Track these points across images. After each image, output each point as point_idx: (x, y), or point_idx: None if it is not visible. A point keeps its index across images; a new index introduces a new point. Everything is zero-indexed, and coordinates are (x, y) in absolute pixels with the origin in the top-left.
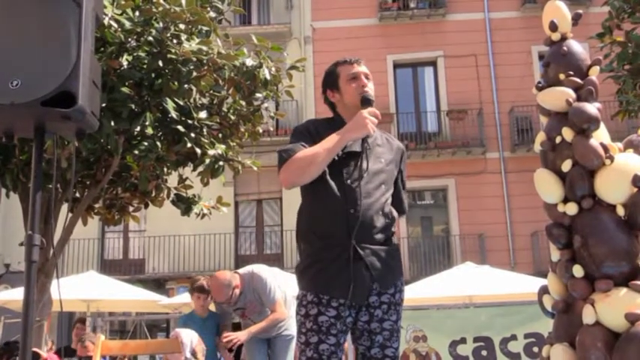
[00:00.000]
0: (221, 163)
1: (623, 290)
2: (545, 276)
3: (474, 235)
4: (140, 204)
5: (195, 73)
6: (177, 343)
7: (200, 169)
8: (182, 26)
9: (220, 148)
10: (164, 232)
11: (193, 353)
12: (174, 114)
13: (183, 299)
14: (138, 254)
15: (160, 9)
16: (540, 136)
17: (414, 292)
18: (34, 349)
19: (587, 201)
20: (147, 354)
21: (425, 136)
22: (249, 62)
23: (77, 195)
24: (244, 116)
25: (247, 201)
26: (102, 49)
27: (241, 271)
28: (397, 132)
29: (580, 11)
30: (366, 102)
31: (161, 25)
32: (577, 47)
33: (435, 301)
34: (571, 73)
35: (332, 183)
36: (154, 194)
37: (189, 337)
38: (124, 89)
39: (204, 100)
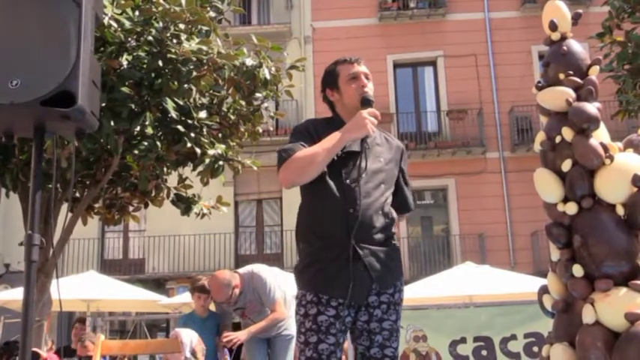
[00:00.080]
0: (221, 162)
1: (623, 290)
2: (545, 276)
3: (474, 235)
4: (140, 204)
5: (195, 73)
6: (176, 342)
7: (200, 168)
8: (182, 26)
9: (220, 148)
10: (164, 231)
11: (193, 353)
12: (174, 114)
13: (183, 299)
14: (138, 254)
15: (160, 9)
16: (540, 136)
17: (414, 292)
18: (34, 349)
19: (587, 200)
20: (147, 354)
21: (425, 135)
22: (249, 62)
23: (77, 195)
24: (244, 116)
25: (247, 201)
26: (102, 48)
27: (241, 270)
28: (397, 132)
29: (580, 11)
30: (365, 102)
31: (161, 24)
32: (577, 47)
33: (435, 301)
34: (571, 72)
35: (331, 183)
36: (153, 194)
37: (189, 337)
38: (124, 89)
39: (204, 100)
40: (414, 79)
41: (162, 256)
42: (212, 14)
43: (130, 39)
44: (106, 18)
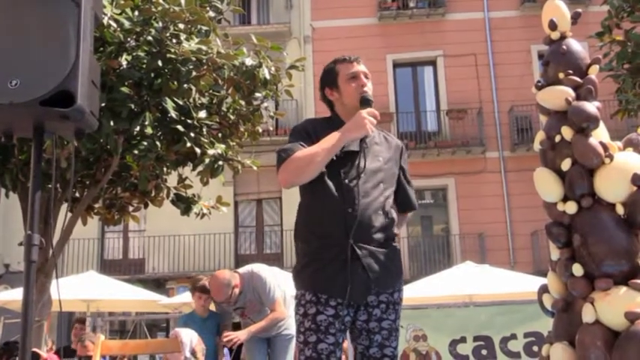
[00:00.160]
0: (220, 162)
1: (623, 289)
2: (545, 275)
3: (474, 235)
4: (140, 204)
5: (194, 73)
6: (176, 342)
7: (200, 168)
8: (181, 26)
9: (220, 148)
10: (164, 231)
11: (193, 353)
12: (173, 114)
13: (183, 299)
14: (138, 254)
15: (160, 8)
16: (540, 135)
17: (414, 292)
18: (34, 350)
19: (587, 200)
20: (147, 354)
21: (425, 135)
22: (249, 62)
23: (77, 195)
24: (244, 116)
25: (247, 200)
26: (101, 48)
27: (241, 270)
28: (397, 131)
29: (579, 10)
30: (365, 102)
31: (160, 24)
32: (576, 46)
33: (435, 301)
34: (570, 72)
35: (330, 182)
36: (153, 194)
37: (189, 337)
38: (124, 89)
39: (204, 100)
40: (413, 79)
41: (162, 256)
42: (211, 14)
43: (129, 39)
44: (106, 18)
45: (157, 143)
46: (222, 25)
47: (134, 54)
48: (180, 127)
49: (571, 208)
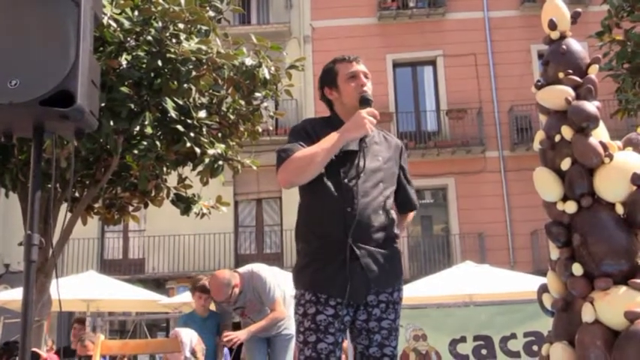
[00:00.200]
0: (220, 162)
1: (623, 288)
2: (544, 275)
3: (474, 234)
4: (140, 203)
5: (194, 73)
6: (176, 342)
7: (199, 168)
8: (181, 26)
9: (220, 148)
10: (164, 231)
11: (193, 352)
12: (173, 113)
13: (183, 299)
14: (138, 254)
15: (159, 8)
16: (539, 135)
17: (414, 291)
18: (34, 349)
19: (587, 199)
20: (147, 353)
21: (424, 135)
22: (249, 61)
23: (76, 195)
24: (244, 115)
25: (247, 200)
26: (101, 48)
27: (241, 270)
28: (397, 131)
29: (579, 10)
30: (364, 102)
31: (160, 24)
32: (576, 46)
33: (434, 300)
34: (570, 71)
35: (329, 182)
36: (153, 194)
37: (189, 337)
38: (123, 89)
39: (204, 100)
40: (413, 79)
41: (162, 256)
42: (211, 14)
43: (129, 39)
44: (105, 18)
45: (157, 143)
46: (221, 24)
47: (134, 54)
48: (180, 127)
49: (571, 207)
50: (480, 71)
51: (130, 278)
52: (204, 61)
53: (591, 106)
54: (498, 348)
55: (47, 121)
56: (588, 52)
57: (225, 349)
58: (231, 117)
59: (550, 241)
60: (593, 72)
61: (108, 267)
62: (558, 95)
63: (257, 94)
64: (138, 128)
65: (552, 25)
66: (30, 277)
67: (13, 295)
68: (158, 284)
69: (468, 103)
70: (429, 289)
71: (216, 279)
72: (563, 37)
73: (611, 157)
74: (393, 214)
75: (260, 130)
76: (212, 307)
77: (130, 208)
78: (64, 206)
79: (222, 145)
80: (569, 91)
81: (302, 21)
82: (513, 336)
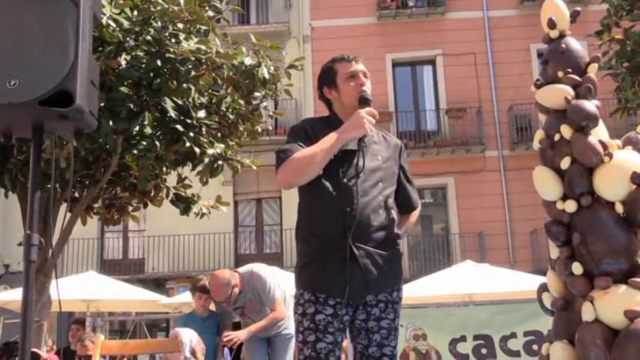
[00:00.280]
0: (220, 162)
1: (622, 287)
2: (544, 274)
3: (474, 234)
4: (139, 203)
5: (193, 73)
6: (176, 342)
7: (199, 168)
8: (180, 25)
9: (219, 148)
10: (163, 231)
11: (193, 352)
12: (172, 113)
13: (182, 299)
14: (137, 254)
15: (159, 8)
16: (539, 134)
17: (414, 291)
18: (34, 350)
19: (586, 198)
20: (146, 353)
21: (424, 134)
22: (248, 61)
23: (76, 195)
24: (243, 115)
25: (246, 200)
26: (100, 48)
27: (241, 269)
28: (396, 131)
29: (578, 9)
30: (364, 102)
31: (159, 24)
32: (575, 45)
33: (434, 300)
34: (569, 70)
35: (329, 182)
36: (153, 194)
37: (189, 337)
38: (123, 89)
39: (203, 100)
40: (413, 78)
41: (161, 256)
42: (210, 13)
43: (128, 39)
44: (105, 18)
45: (157, 143)
46: (221, 24)
47: (133, 54)
48: (179, 127)
49: (570, 206)
50: (480, 70)
51: (130, 278)
52: (203, 60)
53: (591, 105)
54: (498, 347)
55: (46, 121)
56: (587, 51)
57: (225, 349)
58: (231, 117)
59: (550, 240)
60: (593, 71)
61: (108, 267)
62: (558, 94)
63: (256, 94)
64: (137, 128)
65: (551, 24)
66: (29, 278)
67: (13, 296)
68: (158, 284)
69: (468, 103)
70: (428, 288)
71: (216, 279)
72: (562, 36)
73: (610, 156)
74: (394, 213)
75: (259, 129)
76: (212, 307)
77: (130, 208)
78: (63, 206)
79: (222, 145)
80: (569, 90)
81: (301, 21)
82: (513, 335)
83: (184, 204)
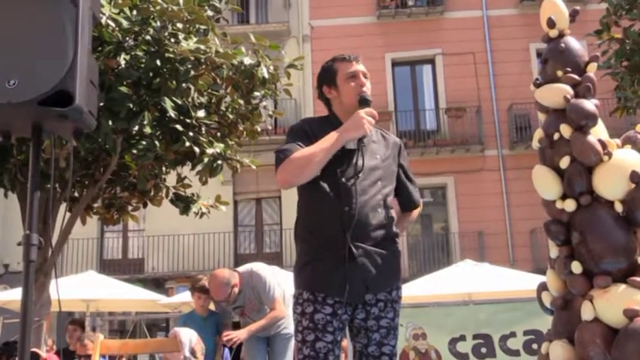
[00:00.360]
0: (219, 162)
1: (622, 286)
2: (544, 273)
3: (473, 233)
4: (139, 203)
5: (193, 72)
6: (176, 342)
7: (199, 168)
8: (180, 25)
9: (219, 147)
10: (163, 231)
11: (192, 352)
12: (172, 113)
13: (182, 298)
14: (137, 254)
15: (158, 8)
16: (538, 133)
17: (414, 290)
18: (34, 350)
19: (586, 197)
20: (146, 353)
21: (424, 134)
22: (247, 61)
23: (76, 194)
24: (243, 115)
25: (246, 200)
26: (99, 48)
27: (240, 269)
28: (396, 130)
29: (577, 8)
30: (364, 102)
31: (159, 24)
32: (575, 44)
33: (434, 299)
34: (569, 69)
35: (328, 181)
36: (152, 193)
37: (188, 336)
38: (122, 88)
39: (203, 99)
40: (412, 78)
41: (161, 256)
42: (210, 13)
43: (127, 38)
44: (104, 17)
45: (156, 143)
46: (220, 24)
47: (132, 53)
48: (179, 127)
49: (570, 205)
50: (479, 70)
51: (130, 278)
52: (202, 60)
53: (590, 104)
54: (498, 346)
55: (46, 121)
56: (587, 51)
57: (225, 349)
58: (230, 116)
59: (549, 240)
60: (592, 70)
61: (107, 267)
62: (557, 93)
63: (256, 94)
64: (137, 128)
65: (551, 24)
66: (29, 277)
67: (13, 295)
68: (158, 284)
69: (467, 102)
70: (428, 287)
71: (216, 278)
72: (561, 35)
73: (609, 155)
74: (393, 212)
75: (259, 129)
76: (212, 306)
77: (130, 208)
78: (63, 206)
79: (222, 145)
80: (568, 90)
81: (301, 20)
82: (513, 334)
83: (184, 203)
